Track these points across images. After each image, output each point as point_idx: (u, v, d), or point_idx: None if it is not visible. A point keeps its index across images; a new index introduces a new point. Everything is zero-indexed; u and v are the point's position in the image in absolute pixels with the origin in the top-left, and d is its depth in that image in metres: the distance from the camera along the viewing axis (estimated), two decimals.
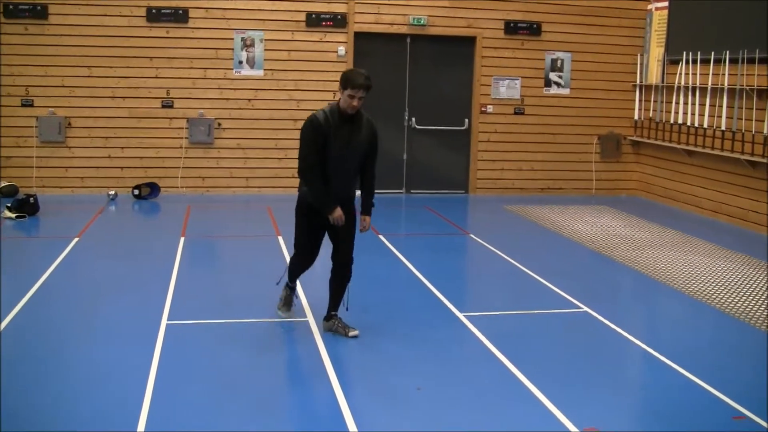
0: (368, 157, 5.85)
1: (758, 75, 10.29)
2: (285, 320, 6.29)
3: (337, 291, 6.04)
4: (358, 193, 5.95)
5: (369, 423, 4.60)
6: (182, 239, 9.12)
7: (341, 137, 5.60)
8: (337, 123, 5.60)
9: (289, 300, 6.37)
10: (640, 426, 4.82)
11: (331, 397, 4.97)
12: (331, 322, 6.00)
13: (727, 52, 10.82)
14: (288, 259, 6.50)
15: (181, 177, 12.13)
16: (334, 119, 5.61)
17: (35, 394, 4.89)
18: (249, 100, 12.17)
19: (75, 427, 4.46)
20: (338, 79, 12.16)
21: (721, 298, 7.31)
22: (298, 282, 6.47)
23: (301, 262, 6.14)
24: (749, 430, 4.66)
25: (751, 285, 7.81)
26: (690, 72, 11.69)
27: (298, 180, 5.99)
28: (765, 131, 10.12)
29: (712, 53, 11.12)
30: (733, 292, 7.54)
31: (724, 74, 10.92)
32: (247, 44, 12.07)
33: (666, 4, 12.48)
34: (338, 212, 5.70)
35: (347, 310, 6.11)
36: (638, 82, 13.09)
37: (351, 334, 5.98)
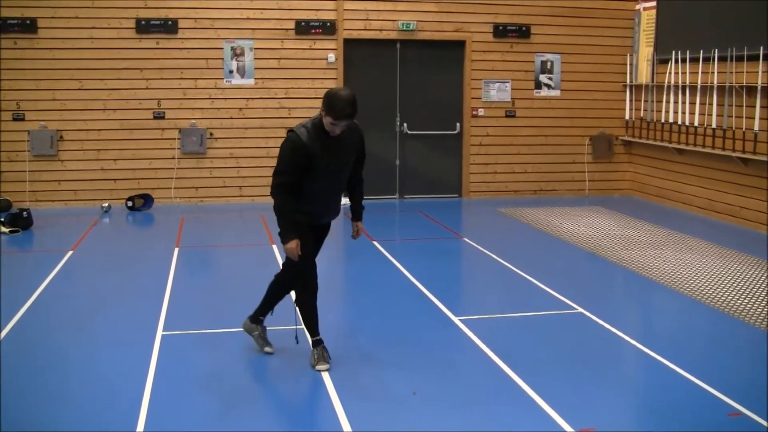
0: (357, 163, 5.63)
1: (747, 72, 10.33)
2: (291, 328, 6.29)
3: (276, 297, 5.83)
4: (345, 200, 5.77)
5: (365, 428, 4.60)
6: (176, 249, 9.12)
7: (328, 154, 5.31)
8: (321, 140, 5.28)
9: (323, 355, 5.54)
10: (637, 425, 4.83)
11: (327, 402, 4.97)
12: (255, 326, 5.84)
13: (716, 50, 10.86)
14: (296, 308, 5.74)
15: (175, 188, 12.13)
16: (319, 136, 5.28)
17: (32, 405, 4.88)
18: (240, 109, 12.19)
19: None
20: (329, 86, 12.12)
21: (716, 296, 7.33)
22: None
23: (311, 290, 5.56)
24: (745, 427, 4.67)
25: (745, 282, 7.83)
26: (679, 71, 11.73)
27: None
28: (755, 128, 10.16)
29: (701, 52, 11.17)
30: (728, 289, 7.57)
31: (713, 72, 10.96)
32: (237, 53, 12.09)
33: (654, 3, 12.53)
34: (293, 245, 5.29)
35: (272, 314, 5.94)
36: (628, 82, 13.13)
37: (267, 350, 5.81)
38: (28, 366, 5.58)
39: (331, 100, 5.16)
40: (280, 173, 5.31)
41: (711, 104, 11.01)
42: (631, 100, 13.15)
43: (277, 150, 5.51)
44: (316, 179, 5.34)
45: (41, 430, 4.58)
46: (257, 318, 5.88)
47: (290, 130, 5.37)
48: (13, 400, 4.96)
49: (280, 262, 8.40)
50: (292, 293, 5.80)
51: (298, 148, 5.23)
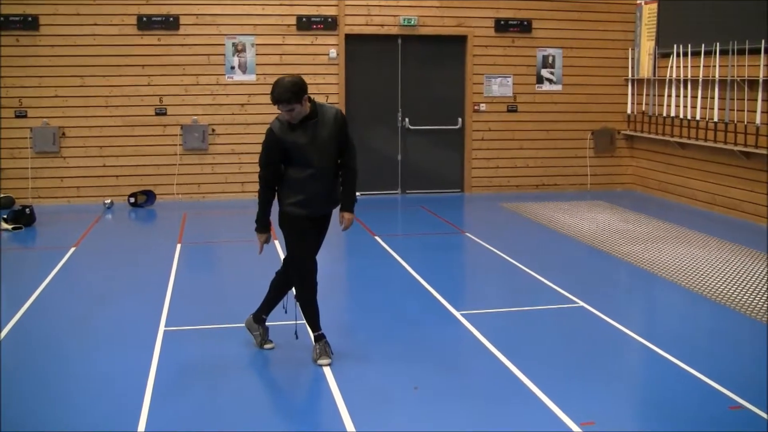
0: (341, 150, 5.55)
1: (749, 65, 10.33)
2: (288, 323, 6.30)
3: (278, 295, 5.87)
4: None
5: (366, 422, 4.62)
6: (179, 245, 9.13)
7: (305, 141, 5.33)
8: (294, 128, 5.33)
9: (325, 350, 5.57)
10: (638, 418, 4.84)
11: (329, 397, 4.99)
12: (257, 326, 5.87)
13: (718, 43, 10.85)
14: (296, 306, 5.73)
15: (177, 184, 12.15)
16: (291, 125, 5.32)
17: (34, 402, 4.90)
18: (242, 105, 12.20)
19: None
20: (330, 81, 12.16)
21: (717, 290, 7.33)
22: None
23: (311, 287, 5.58)
24: (746, 419, 4.68)
25: (747, 275, 7.83)
26: (681, 65, 11.72)
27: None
28: (757, 121, 10.15)
29: (703, 45, 11.16)
30: (729, 283, 7.57)
31: (715, 66, 10.95)
32: (239, 49, 12.09)
33: None
34: (263, 240, 5.63)
35: (286, 312, 5.93)
36: (630, 76, 13.12)
37: (267, 346, 5.85)
38: (30, 363, 5.61)
39: (272, 87, 5.27)
40: (260, 166, 5.51)
41: (713, 98, 11.00)
42: (632, 95, 13.13)
43: None
44: (301, 167, 5.39)
45: (43, 428, 4.60)
46: (260, 317, 5.90)
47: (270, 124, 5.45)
48: (14, 398, 4.97)
49: (282, 258, 8.44)
50: (293, 291, 5.80)
51: (270, 141, 5.38)
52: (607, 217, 10.92)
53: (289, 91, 5.19)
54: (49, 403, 4.93)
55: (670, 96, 12.01)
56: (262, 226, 5.63)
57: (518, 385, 5.17)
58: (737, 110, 10.58)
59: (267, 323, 5.92)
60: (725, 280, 7.64)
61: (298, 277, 5.62)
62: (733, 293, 7.21)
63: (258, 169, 5.54)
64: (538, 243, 9.49)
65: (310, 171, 5.41)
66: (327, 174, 5.51)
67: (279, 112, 5.33)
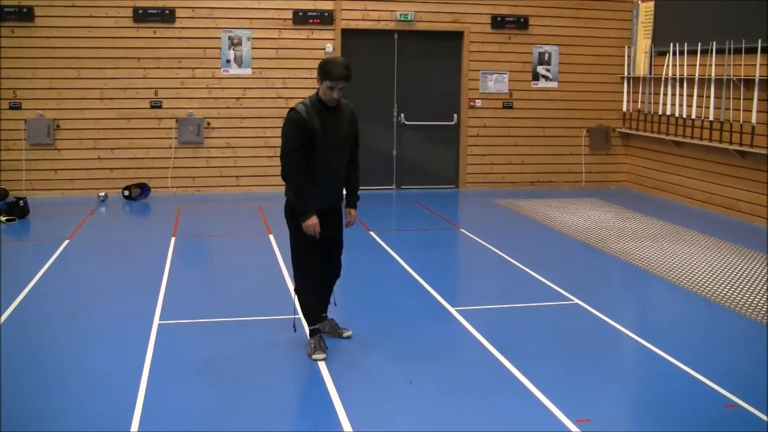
0: (352, 145, 5.63)
1: (745, 65, 10.33)
2: (287, 317, 6.29)
3: (325, 294, 5.86)
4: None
5: (362, 418, 4.61)
6: (173, 239, 9.11)
7: (328, 130, 5.35)
8: (320, 115, 5.33)
9: (320, 344, 5.55)
10: (633, 416, 4.85)
11: (324, 392, 4.98)
12: (323, 324, 5.86)
13: (714, 42, 10.85)
14: (295, 299, 5.84)
15: (171, 177, 12.12)
16: (317, 112, 5.33)
17: (28, 395, 4.88)
18: (237, 98, 12.16)
19: (68, 428, 4.46)
20: None
21: (712, 289, 7.34)
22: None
23: (311, 287, 5.59)
24: (741, 419, 4.68)
25: (742, 275, 7.85)
26: (677, 63, 11.72)
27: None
28: (753, 121, 10.16)
29: (699, 44, 11.16)
30: (724, 282, 7.58)
31: (711, 65, 10.95)
32: (235, 43, 12.06)
33: None
34: (314, 221, 5.33)
35: (335, 305, 6.07)
36: (626, 74, 13.12)
37: (345, 335, 5.91)
38: (24, 356, 5.58)
39: (326, 65, 5.29)
40: (288, 153, 5.36)
41: (709, 97, 11.00)
42: (628, 92, 13.14)
43: (275, 140, 5.52)
44: (319, 157, 5.36)
45: (37, 423, 4.58)
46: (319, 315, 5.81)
47: (290, 110, 5.40)
48: (8, 391, 4.95)
49: (277, 252, 8.43)
50: (290, 284, 5.79)
51: (300, 123, 5.29)
52: (601, 214, 10.92)
53: (349, 69, 5.29)
54: (42, 396, 4.90)
55: (666, 94, 12.01)
56: (311, 208, 5.37)
57: (513, 381, 5.17)
58: (733, 109, 10.59)
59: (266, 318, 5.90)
60: (721, 279, 7.65)
61: (297, 271, 5.62)
62: (728, 292, 7.22)
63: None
64: (532, 240, 9.49)
65: (328, 162, 5.43)
66: (341, 167, 5.56)
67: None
